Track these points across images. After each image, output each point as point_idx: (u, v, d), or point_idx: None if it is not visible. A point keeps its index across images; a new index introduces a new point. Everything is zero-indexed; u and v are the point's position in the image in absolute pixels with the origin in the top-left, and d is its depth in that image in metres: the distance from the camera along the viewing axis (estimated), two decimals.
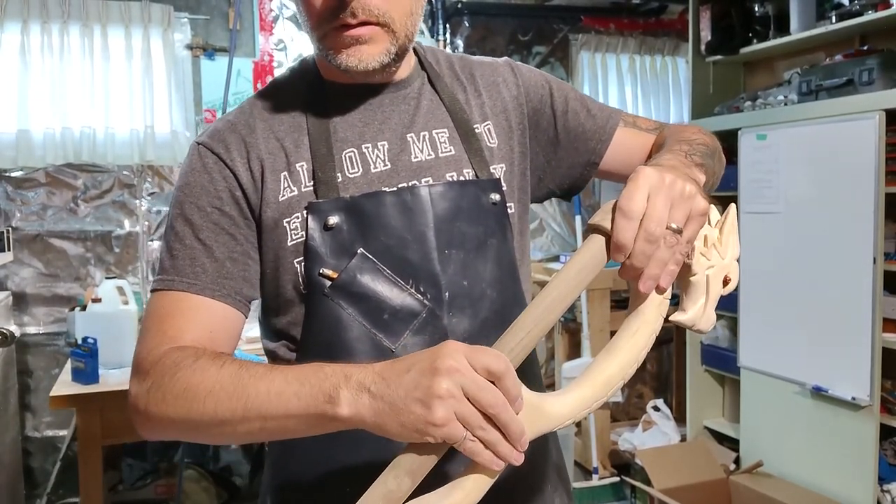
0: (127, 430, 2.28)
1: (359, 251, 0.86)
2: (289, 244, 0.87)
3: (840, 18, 2.62)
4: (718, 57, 3.12)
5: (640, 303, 0.73)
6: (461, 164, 0.93)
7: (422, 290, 0.87)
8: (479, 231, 0.91)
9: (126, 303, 2.55)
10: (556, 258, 3.80)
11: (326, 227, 0.86)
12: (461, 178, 0.93)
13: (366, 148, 0.91)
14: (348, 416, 0.66)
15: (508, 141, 0.99)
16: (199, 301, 0.86)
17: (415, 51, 0.99)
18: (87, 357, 2.22)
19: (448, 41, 3.59)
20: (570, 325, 3.54)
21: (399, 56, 0.88)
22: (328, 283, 0.85)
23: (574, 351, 3.55)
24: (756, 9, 2.98)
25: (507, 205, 0.96)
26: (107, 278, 2.83)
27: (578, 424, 3.46)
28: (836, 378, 2.46)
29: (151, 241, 3.14)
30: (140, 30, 3.03)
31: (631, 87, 3.85)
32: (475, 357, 0.64)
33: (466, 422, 0.62)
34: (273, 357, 0.94)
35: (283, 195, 0.88)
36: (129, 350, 2.48)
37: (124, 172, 3.10)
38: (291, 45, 3.32)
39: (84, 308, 2.53)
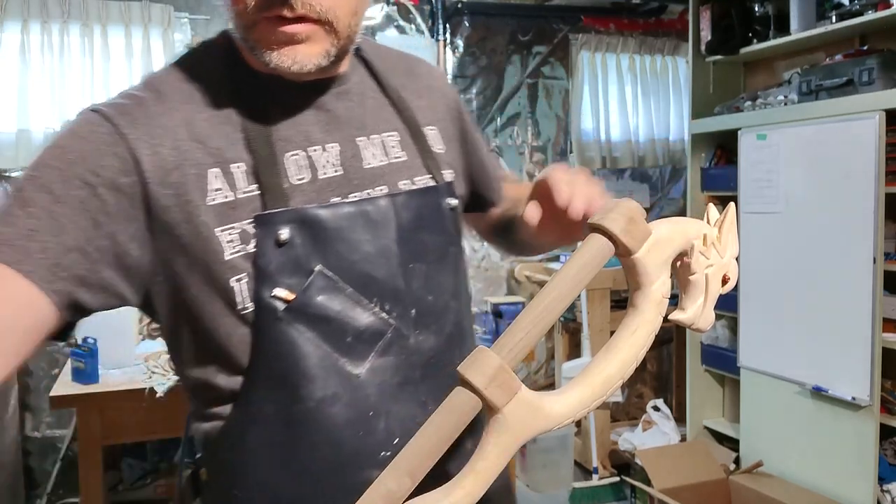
0: (127, 430, 2.28)
1: (317, 269, 0.76)
2: (225, 258, 0.74)
3: (840, 18, 2.62)
4: (718, 57, 3.12)
5: (637, 298, 0.73)
6: (413, 169, 0.87)
7: (387, 308, 0.80)
8: (441, 240, 0.86)
9: None
10: (556, 258, 3.80)
11: (278, 243, 0.74)
12: (416, 185, 0.86)
13: (313, 151, 0.80)
14: None
15: (452, 149, 0.95)
16: (19, 285, 0.67)
17: None
18: (87, 357, 2.22)
19: (448, 41, 3.59)
20: (570, 325, 3.54)
21: (338, 58, 0.79)
22: (283, 305, 0.75)
23: (574, 351, 3.55)
24: (756, 9, 2.98)
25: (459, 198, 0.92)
26: None
27: (578, 424, 3.46)
28: (836, 378, 2.46)
29: None
30: (140, 30, 3.03)
31: (631, 87, 3.85)
32: None
33: None
34: (205, 387, 0.80)
35: (214, 199, 0.74)
36: (129, 350, 2.49)
37: None
38: None
39: None
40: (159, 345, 2.69)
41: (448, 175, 0.91)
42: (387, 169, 0.84)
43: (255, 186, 0.76)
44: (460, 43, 3.65)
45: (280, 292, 0.74)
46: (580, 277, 0.70)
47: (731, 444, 3.08)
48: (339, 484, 0.78)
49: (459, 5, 3.53)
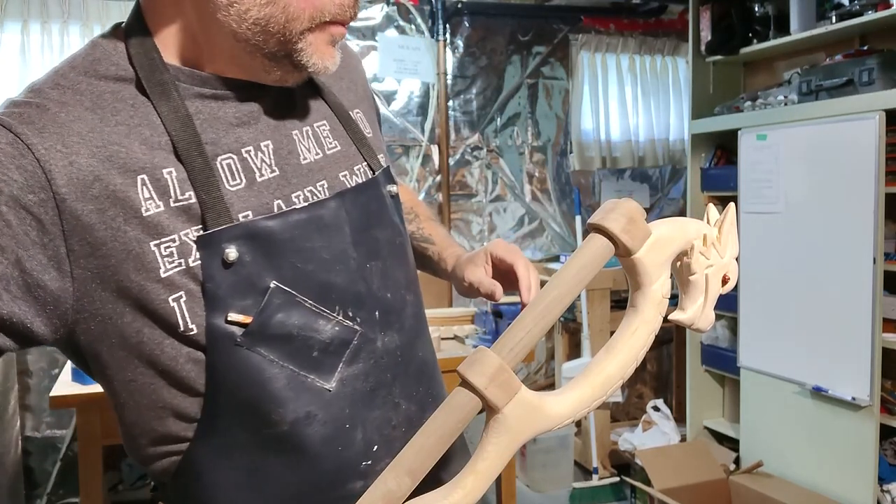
0: None
1: (272, 285, 0.69)
2: (161, 275, 0.67)
3: (840, 18, 2.62)
4: (718, 57, 3.13)
5: (637, 298, 0.73)
6: (350, 159, 0.82)
7: (350, 314, 0.75)
8: (390, 233, 0.83)
9: None
10: (556, 258, 3.80)
11: (226, 264, 0.68)
12: (356, 175, 0.82)
13: (247, 152, 0.73)
14: None
15: (376, 130, 0.92)
16: None
17: None
18: None
19: (448, 41, 3.59)
20: (570, 325, 3.55)
21: None
22: (240, 330, 0.68)
23: (574, 351, 3.55)
24: (756, 9, 2.98)
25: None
26: None
27: (578, 424, 3.46)
28: (836, 378, 2.46)
29: None
30: None
31: (631, 87, 3.85)
32: None
33: None
34: (158, 426, 0.74)
35: (147, 209, 0.66)
36: None
37: None
38: None
39: None
40: None
41: (382, 160, 0.87)
42: (323, 162, 0.79)
43: (189, 195, 0.68)
44: (460, 43, 3.65)
45: (235, 317, 0.68)
46: (580, 277, 0.70)
47: (731, 444, 3.08)
48: (321, 501, 0.76)
49: (459, 5, 3.53)
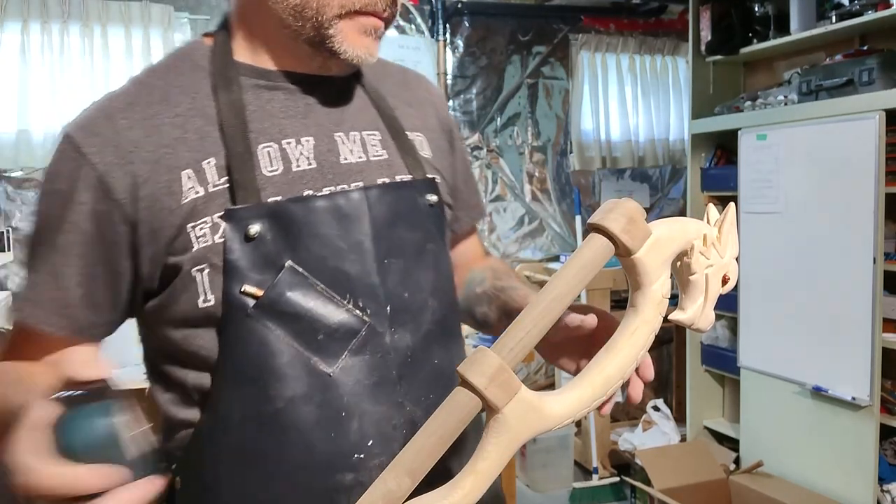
0: None
1: (287, 264, 0.74)
2: (191, 253, 0.74)
3: (840, 18, 2.62)
4: (718, 57, 3.12)
5: (637, 298, 0.73)
6: (394, 168, 0.85)
7: (361, 305, 0.78)
8: (419, 236, 0.84)
9: None
10: (556, 258, 3.80)
11: (247, 238, 0.74)
12: (394, 180, 0.85)
13: (287, 143, 0.79)
14: None
15: (442, 159, 0.94)
16: (39, 335, 0.77)
17: None
18: None
19: (448, 41, 3.59)
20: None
21: None
22: (252, 301, 0.73)
23: None
24: (756, 9, 2.98)
25: (444, 205, 0.90)
26: None
27: (578, 424, 3.46)
28: (836, 378, 2.46)
29: None
30: (140, 30, 3.03)
31: (631, 87, 3.85)
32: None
33: None
34: (175, 387, 0.82)
35: (186, 197, 0.75)
36: (129, 350, 2.48)
37: None
38: None
39: None
40: None
41: (432, 176, 0.89)
42: (365, 166, 0.83)
43: (225, 180, 0.76)
44: (460, 43, 3.65)
45: (249, 288, 0.73)
46: (580, 277, 0.70)
47: (731, 444, 3.08)
48: (310, 487, 0.76)
49: (459, 5, 3.53)
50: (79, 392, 0.54)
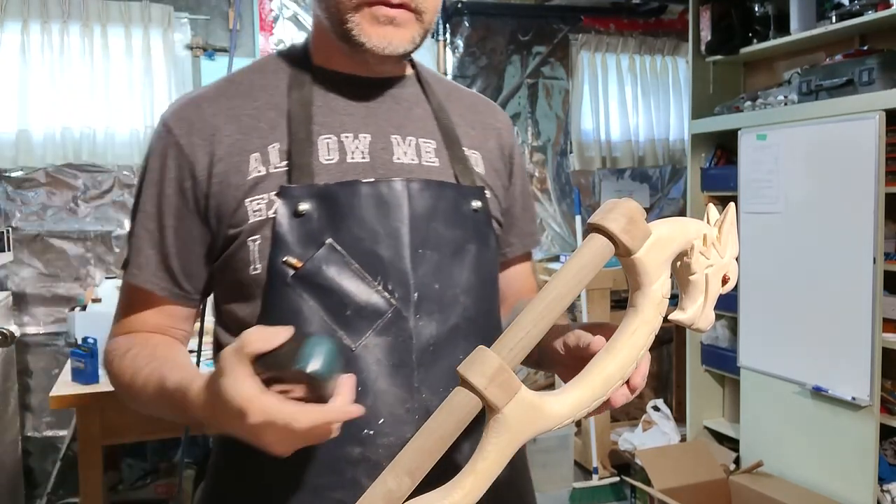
0: (127, 430, 2.28)
1: (327, 241, 0.82)
2: (247, 224, 0.84)
3: (840, 18, 2.62)
4: (718, 57, 3.12)
5: (637, 298, 0.73)
6: (444, 174, 0.91)
7: (390, 288, 0.83)
8: (457, 235, 0.88)
9: None
10: (556, 258, 3.80)
11: (296, 214, 0.82)
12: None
13: (345, 137, 0.88)
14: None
15: (494, 178, 0.98)
16: (144, 294, 0.89)
17: (412, 62, 0.98)
18: (87, 357, 2.22)
19: (448, 41, 3.59)
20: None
21: (412, 51, 0.89)
22: (291, 272, 0.81)
23: None
24: (756, 9, 2.98)
25: (492, 216, 0.94)
26: (107, 278, 2.84)
27: (578, 424, 3.46)
28: (836, 378, 2.46)
29: None
30: (140, 30, 3.03)
31: (631, 87, 3.85)
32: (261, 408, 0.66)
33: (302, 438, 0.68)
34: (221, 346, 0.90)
35: (250, 175, 0.85)
36: None
37: (124, 172, 3.10)
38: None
39: (84, 308, 2.53)
40: None
41: (481, 187, 0.93)
42: (416, 168, 0.89)
43: (285, 163, 0.85)
44: (460, 43, 3.65)
45: (290, 259, 0.81)
46: (580, 277, 0.70)
47: (731, 444, 3.08)
48: (318, 454, 0.80)
49: (459, 5, 3.53)
50: (278, 350, 0.67)
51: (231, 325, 0.89)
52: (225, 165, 0.85)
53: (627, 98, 3.84)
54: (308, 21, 3.34)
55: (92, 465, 2.17)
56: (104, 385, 2.22)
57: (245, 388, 0.65)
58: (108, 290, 2.56)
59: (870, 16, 2.50)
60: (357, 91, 0.91)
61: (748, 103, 2.95)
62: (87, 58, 2.97)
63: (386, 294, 0.83)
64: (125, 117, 3.03)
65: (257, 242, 0.83)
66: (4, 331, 2.16)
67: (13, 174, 2.97)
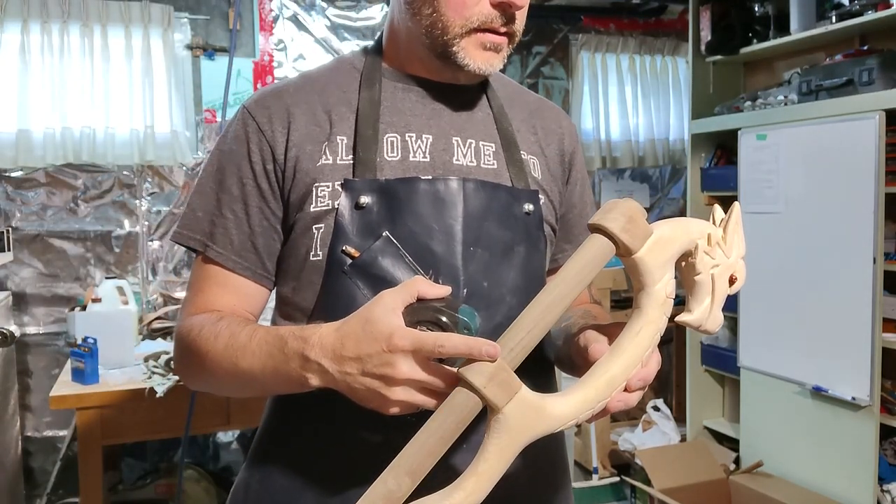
0: (127, 430, 2.28)
1: (384, 234, 0.87)
2: (312, 209, 0.89)
3: (840, 18, 2.62)
4: (718, 57, 3.12)
5: (641, 299, 0.73)
6: (500, 178, 0.95)
7: (440, 282, 0.86)
8: (507, 236, 0.92)
9: (126, 303, 2.55)
10: None
11: (357, 206, 0.87)
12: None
13: (409, 136, 0.92)
14: (320, 386, 0.76)
15: (552, 183, 1.01)
16: (225, 275, 0.92)
17: None
18: (87, 357, 2.22)
19: None
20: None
21: None
22: (349, 260, 0.86)
23: None
24: (756, 9, 2.98)
25: (545, 220, 0.97)
26: (107, 278, 2.84)
27: (578, 424, 3.45)
28: (836, 378, 2.46)
29: (151, 241, 3.14)
30: (140, 30, 3.03)
31: (631, 87, 3.84)
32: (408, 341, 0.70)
33: (424, 385, 0.70)
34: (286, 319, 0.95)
35: (319, 162, 0.90)
36: (129, 350, 2.49)
37: (124, 172, 3.10)
38: (291, 45, 3.32)
39: (84, 308, 2.53)
40: (159, 345, 2.68)
41: (534, 190, 0.97)
42: (474, 170, 0.93)
43: (350, 157, 0.90)
44: None
45: (349, 248, 0.87)
46: (581, 277, 0.70)
47: (731, 444, 3.08)
48: (366, 441, 0.85)
49: None
50: (432, 302, 0.74)
51: (285, 310, 0.94)
52: (298, 151, 0.90)
53: (627, 98, 3.83)
54: (308, 21, 3.34)
55: (92, 465, 2.17)
56: (104, 385, 2.23)
57: (396, 318, 0.71)
58: (108, 290, 2.56)
59: (870, 16, 2.50)
60: (424, 94, 0.95)
61: (748, 103, 2.95)
62: (87, 58, 2.97)
63: None
64: (125, 117, 3.03)
65: (321, 230, 0.88)
66: (4, 331, 2.16)
67: (13, 174, 2.97)
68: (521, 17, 0.89)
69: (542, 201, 0.98)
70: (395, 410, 0.72)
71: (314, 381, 0.76)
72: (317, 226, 0.88)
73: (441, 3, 0.87)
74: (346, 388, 0.73)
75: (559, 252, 1.07)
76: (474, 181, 0.91)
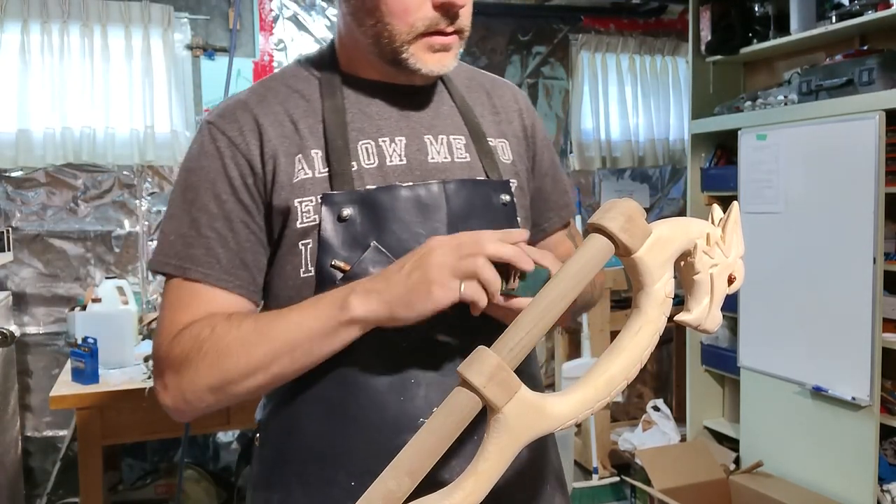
0: (127, 430, 2.28)
1: (372, 244, 0.87)
2: (298, 226, 0.88)
3: (840, 18, 2.62)
4: (718, 57, 3.12)
5: (640, 298, 0.73)
6: (475, 170, 0.96)
7: None
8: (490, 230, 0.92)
9: (126, 303, 2.55)
10: None
11: (340, 219, 0.87)
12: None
13: (382, 141, 0.92)
14: (363, 316, 0.80)
15: (521, 162, 1.03)
16: (213, 292, 0.88)
17: None
18: (87, 357, 2.22)
19: None
20: (570, 325, 3.54)
21: None
22: (340, 274, 0.86)
23: (574, 351, 3.55)
24: (756, 9, 2.98)
25: (521, 207, 0.99)
26: (107, 278, 2.83)
27: (578, 424, 3.45)
28: (836, 378, 2.46)
29: (151, 240, 3.14)
30: (140, 30, 3.03)
31: (631, 87, 3.84)
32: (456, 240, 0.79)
33: (459, 272, 0.77)
34: None
35: (297, 177, 0.89)
36: (129, 350, 2.49)
37: (124, 172, 3.10)
38: (291, 45, 3.32)
39: (84, 308, 2.53)
40: None
41: (508, 179, 0.98)
42: (449, 166, 0.94)
43: (327, 170, 0.89)
44: None
45: (338, 262, 0.86)
46: (580, 277, 0.70)
47: (731, 444, 3.08)
48: (380, 443, 0.85)
49: None
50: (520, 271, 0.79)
51: None
52: (274, 163, 0.89)
53: (627, 98, 3.83)
54: (308, 21, 3.34)
55: (92, 465, 2.17)
56: (104, 385, 2.23)
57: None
58: (108, 290, 2.56)
59: (870, 16, 2.50)
60: (388, 97, 0.95)
61: (748, 103, 2.95)
62: (87, 58, 2.97)
63: None
64: (125, 117, 3.03)
65: (309, 246, 0.88)
66: (4, 331, 2.16)
67: (13, 174, 2.97)
68: (466, 14, 0.89)
69: (514, 186, 0.99)
70: (453, 290, 0.77)
71: (358, 305, 0.79)
72: (304, 241, 0.88)
73: (383, 12, 0.86)
74: (392, 296, 0.78)
75: (545, 222, 1.10)
76: (454, 182, 0.92)
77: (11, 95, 2.89)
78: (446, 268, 0.77)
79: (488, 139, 0.99)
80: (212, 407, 0.88)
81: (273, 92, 0.94)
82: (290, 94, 0.94)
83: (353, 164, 0.90)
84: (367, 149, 0.91)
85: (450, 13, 0.87)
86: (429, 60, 0.89)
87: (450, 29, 0.88)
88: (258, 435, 0.97)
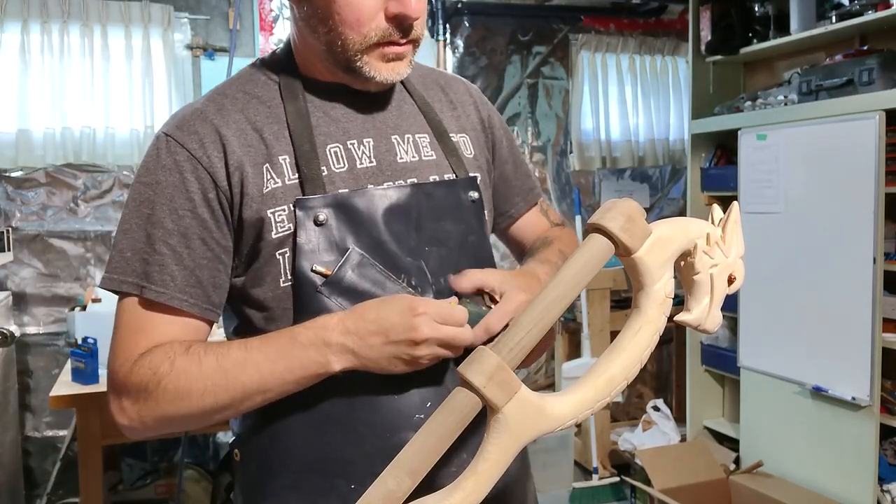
0: None
1: (351, 247, 0.87)
2: (273, 237, 0.87)
3: (840, 18, 2.62)
4: (718, 57, 3.12)
5: (640, 298, 0.73)
6: (442, 168, 0.97)
7: (413, 283, 0.89)
8: (461, 229, 0.95)
9: None
10: None
11: (317, 223, 0.86)
12: (443, 178, 0.97)
13: (351, 144, 0.92)
14: (342, 370, 0.81)
15: (482, 155, 1.05)
16: (168, 312, 0.86)
17: None
18: (87, 357, 2.22)
19: (448, 41, 3.59)
20: (569, 325, 3.54)
21: None
22: (321, 279, 0.86)
23: (574, 351, 3.55)
24: (756, 9, 2.98)
25: (486, 202, 1.02)
26: None
27: (578, 424, 3.45)
28: (836, 378, 2.46)
29: None
30: (140, 30, 3.03)
31: (631, 87, 3.84)
32: (437, 313, 0.81)
33: (416, 360, 0.81)
34: None
35: (267, 187, 0.87)
36: None
37: (124, 172, 3.10)
38: None
39: (84, 308, 2.53)
40: None
41: (473, 174, 1.00)
42: (418, 165, 0.95)
43: (297, 176, 0.88)
44: (460, 43, 3.65)
45: (319, 268, 0.86)
46: (580, 277, 0.70)
47: (731, 444, 3.08)
48: (380, 444, 0.85)
49: (459, 5, 3.53)
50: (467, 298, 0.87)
51: (246, 331, 0.91)
52: (241, 174, 0.87)
53: (627, 98, 3.83)
54: None
55: (92, 465, 2.17)
56: (104, 385, 2.22)
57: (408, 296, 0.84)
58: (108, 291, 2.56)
59: (870, 16, 2.50)
60: (350, 99, 0.94)
61: (748, 103, 2.95)
62: (87, 58, 2.97)
63: (410, 290, 0.89)
64: (125, 117, 3.03)
65: (286, 255, 0.87)
66: (4, 331, 2.16)
67: (13, 174, 2.97)
68: (419, 25, 0.89)
69: (479, 179, 1.00)
70: (424, 363, 0.81)
71: (337, 363, 0.81)
72: (280, 251, 0.87)
73: (336, 21, 0.85)
74: (370, 360, 0.80)
75: (511, 207, 1.12)
76: (427, 184, 0.93)
77: (11, 95, 2.89)
78: (406, 354, 0.81)
79: (451, 135, 1.01)
80: (174, 432, 0.89)
81: (231, 99, 0.91)
82: (250, 100, 0.92)
83: (323, 168, 0.89)
84: (335, 153, 0.91)
85: (403, 25, 0.87)
86: (383, 69, 0.89)
87: (403, 40, 0.88)
88: (236, 450, 0.95)
